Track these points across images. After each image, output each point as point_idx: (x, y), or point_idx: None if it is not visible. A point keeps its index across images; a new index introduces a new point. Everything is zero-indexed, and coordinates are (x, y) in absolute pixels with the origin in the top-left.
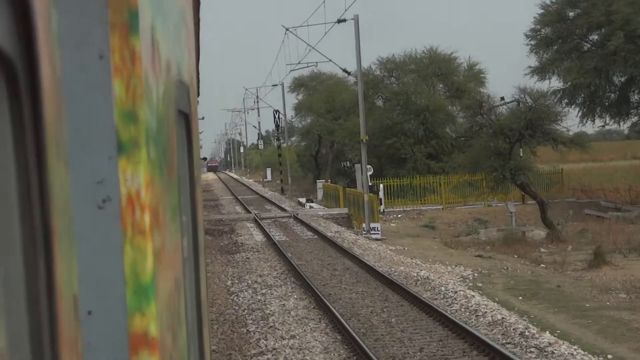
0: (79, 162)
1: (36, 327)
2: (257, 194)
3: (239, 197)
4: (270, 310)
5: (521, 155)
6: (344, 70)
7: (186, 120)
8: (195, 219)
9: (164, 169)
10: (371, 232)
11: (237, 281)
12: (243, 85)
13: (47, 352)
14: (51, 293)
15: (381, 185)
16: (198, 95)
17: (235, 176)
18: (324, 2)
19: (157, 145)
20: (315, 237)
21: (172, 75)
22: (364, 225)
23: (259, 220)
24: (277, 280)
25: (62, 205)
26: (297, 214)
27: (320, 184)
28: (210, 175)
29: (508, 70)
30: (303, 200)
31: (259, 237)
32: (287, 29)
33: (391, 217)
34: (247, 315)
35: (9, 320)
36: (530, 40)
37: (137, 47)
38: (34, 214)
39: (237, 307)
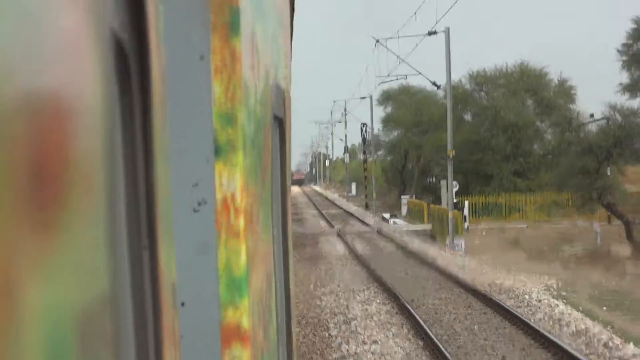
0: (177, 163)
1: (140, 313)
2: (341, 208)
3: (322, 212)
4: (353, 315)
5: (609, 174)
6: (433, 84)
7: (280, 126)
8: (285, 222)
9: (259, 174)
10: (455, 247)
11: (320, 286)
12: (331, 97)
13: (150, 339)
14: (154, 281)
15: (466, 203)
16: None
17: (319, 190)
18: (415, 13)
19: (253, 149)
20: (397, 250)
21: (269, 79)
22: (447, 241)
23: (342, 235)
24: (360, 285)
25: (164, 201)
26: (381, 229)
27: (405, 199)
28: (295, 189)
29: (599, 86)
30: (387, 215)
31: (342, 250)
32: (377, 41)
33: (475, 235)
34: (329, 319)
35: (116, 306)
36: (622, 56)
37: (238, 48)
38: (140, 204)
39: (319, 311)
